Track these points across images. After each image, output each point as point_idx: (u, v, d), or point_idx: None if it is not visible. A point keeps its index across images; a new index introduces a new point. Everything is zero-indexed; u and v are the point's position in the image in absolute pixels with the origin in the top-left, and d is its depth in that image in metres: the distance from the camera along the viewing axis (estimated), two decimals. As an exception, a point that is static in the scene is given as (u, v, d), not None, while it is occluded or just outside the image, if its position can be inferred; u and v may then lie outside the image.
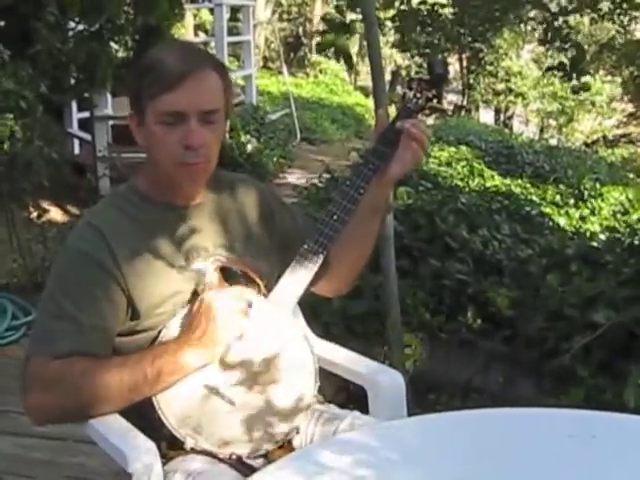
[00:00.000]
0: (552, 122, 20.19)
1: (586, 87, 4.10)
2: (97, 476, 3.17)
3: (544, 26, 4.33)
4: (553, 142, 16.53)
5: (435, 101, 2.08)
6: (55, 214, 6.88)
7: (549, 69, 5.35)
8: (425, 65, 2.16)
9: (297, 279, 1.94)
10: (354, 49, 20.26)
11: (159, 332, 1.86)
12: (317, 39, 20.94)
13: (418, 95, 2.04)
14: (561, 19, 3.99)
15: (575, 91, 4.14)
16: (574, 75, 3.94)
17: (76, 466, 3.34)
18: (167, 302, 1.87)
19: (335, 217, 1.96)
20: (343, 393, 3.05)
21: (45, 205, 6.75)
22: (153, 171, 1.94)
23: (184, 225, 1.94)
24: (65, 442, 3.44)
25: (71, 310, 1.82)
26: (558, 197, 7.59)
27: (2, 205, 5.75)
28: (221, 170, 2.06)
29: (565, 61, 4.06)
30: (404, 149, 1.96)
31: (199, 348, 1.80)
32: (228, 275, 1.96)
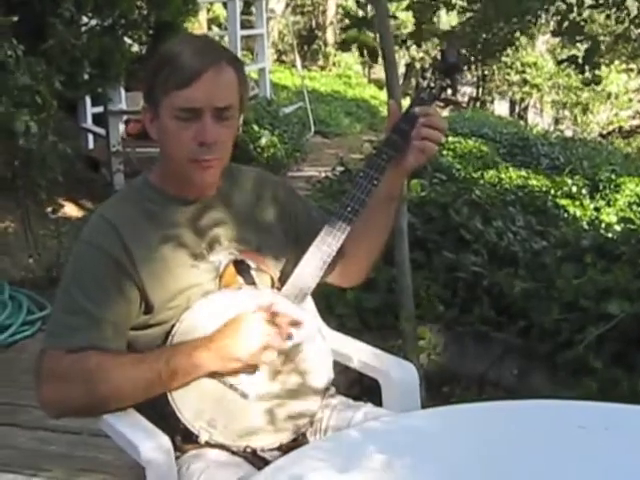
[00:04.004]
0: (567, 113, 20.08)
1: (597, 80, 4.05)
2: (112, 469, 3.19)
3: (558, 18, 4.30)
4: (569, 133, 16.45)
5: (449, 91, 2.07)
6: (70, 209, 6.90)
7: (561, 62, 5.31)
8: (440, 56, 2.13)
9: (310, 271, 1.94)
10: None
11: (173, 326, 1.86)
12: (330, 33, 20.93)
13: (432, 85, 2.02)
14: (576, 11, 3.97)
15: (586, 83, 4.11)
16: (587, 68, 3.91)
17: (91, 459, 3.36)
18: (181, 295, 1.87)
19: (349, 208, 1.95)
20: (357, 386, 3.05)
21: (60, 200, 6.79)
22: (166, 165, 1.94)
23: (197, 218, 1.94)
24: (80, 436, 3.46)
25: (85, 304, 1.82)
26: (574, 189, 7.55)
27: (17, 201, 5.79)
28: (235, 163, 2.06)
29: (578, 54, 4.03)
30: (418, 141, 1.95)
31: (215, 356, 1.79)
32: (241, 268, 1.96)
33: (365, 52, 3.44)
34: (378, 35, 3.24)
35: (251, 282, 1.98)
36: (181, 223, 1.93)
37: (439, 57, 2.09)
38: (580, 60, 3.95)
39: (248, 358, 1.80)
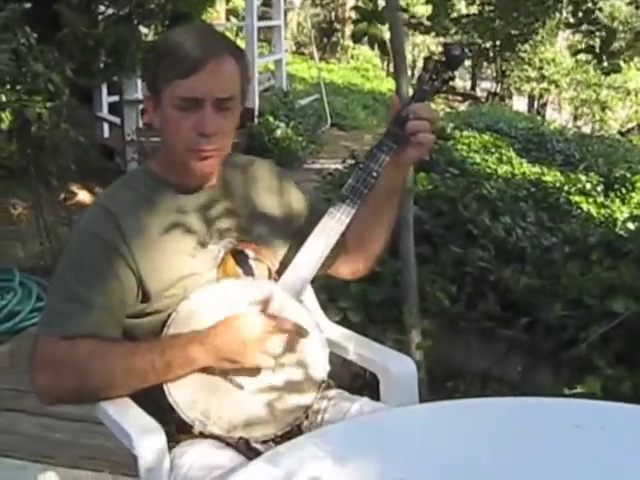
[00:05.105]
0: (586, 110, 19.96)
1: (617, 69, 4.02)
2: (115, 457, 3.17)
3: (571, 8, 4.28)
4: (587, 130, 16.37)
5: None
6: (83, 197, 6.91)
7: (577, 52, 5.28)
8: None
9: (308, 263, 1.93)
10: (385, 35, 20.16)
11: (169, 315, 1.86)
12: (350, 27, 20.91)
13: (434, 77, 2.01)
14: (590, 2, 3.95)
15: (606, 73, 4.08)
16: (604, 57, 3.88)
17: (95, 447, 3.34)
18: (178, 284, 1.87)
19: (347, 200, 1.95)
20: (359, 380, 3.05)
21: (73, 188, 6.80)
22: (167, 154, 1.95)
23: (198, 207, 1.94)
24: (85, 423, 3.45)
25: (80, 291, 1.82)
26: (588, 185, 7.51)
27: (30, 188, 5.80)
28: (237, 153, 2.06)
29: (594, 44, 4.00)
30: (412, 135, 1.94)
31: (209, 353, 1.79)
32: (240, 258, 1.96)
33: (375, 45, 3.43)
34: (388, 27, 3.23)
35: (250, 272, 1.98)
36: (181, 212, 1.93)
37: (442, 49, 2.08)
38: (597, 50, 3.92)
39: (241, 360, 1.80)
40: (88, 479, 3.24)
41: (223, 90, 1.84)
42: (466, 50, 2.12)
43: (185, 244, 1.90)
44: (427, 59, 2.06)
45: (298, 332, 1.85)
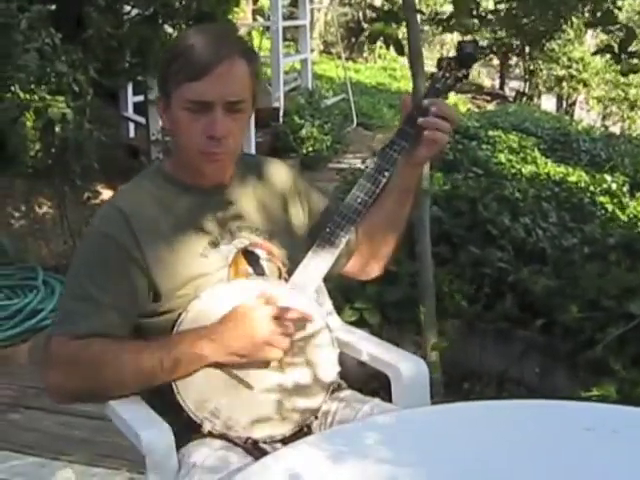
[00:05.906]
0: (614, 109, 19.76)
1: (635, 69, 3.97)
2: (132, 455, 3.15)
3: (590, 8, 4.24)
4: (615, 130, 16.21)
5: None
6: (107, 196, 6.94)
7: (596, 52, 5.24)
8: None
9: (317, 263, 1.93)
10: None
11: (180, 315, 1.86)
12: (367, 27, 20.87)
13: (447, 75, 2.01)
14: (610, 2, 3.92)
15: (624, 73, 4.05)
16: (623, 57, 3.83)
17: (112, 445, 3.36)
18: (189, 284, 1.87)
19: (359, 200, 1.95)
20: (374, 381, 3.03)
21: (98, 188, 6.82)
22: (179, 154, 1.96)
23: (210, 207, 1.95)
24: (103, 422, 3.45)
25: (92, 291, 1.83)
26: (613, 186, 7.44)
27: (54, 187, 5.84)
28: (253, 153, 2.06)
29: (614, 44, 3.96)
30: (429, 131, 1.94)
31: (218, 348, 1.80)
32: (251, 258, 1.96)
33: (391, 45, 3.42)
34: (405, 27, 3.23)
35: (261, 272, 1.98)
36: (193, 212, 1.94)
37: (456, 47, 2.07)
38: (616, 50, 3.87)
39: (250, 354, 1.81)
40: (105, 477, 3.26)
41: (233, 93, 1.84)
42: (482, 48, 2.12)
43: (197, 244, 1.90)
44: (440, 58, 2.06)
45: (304, 319, 1.85)
